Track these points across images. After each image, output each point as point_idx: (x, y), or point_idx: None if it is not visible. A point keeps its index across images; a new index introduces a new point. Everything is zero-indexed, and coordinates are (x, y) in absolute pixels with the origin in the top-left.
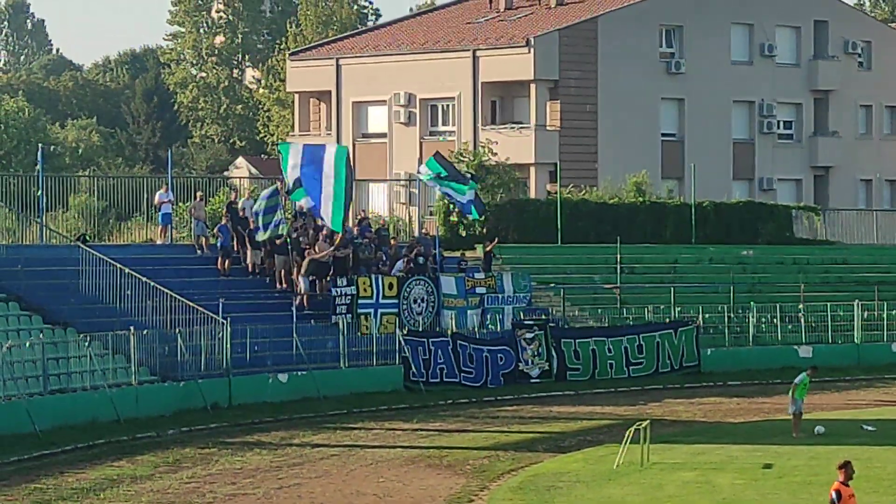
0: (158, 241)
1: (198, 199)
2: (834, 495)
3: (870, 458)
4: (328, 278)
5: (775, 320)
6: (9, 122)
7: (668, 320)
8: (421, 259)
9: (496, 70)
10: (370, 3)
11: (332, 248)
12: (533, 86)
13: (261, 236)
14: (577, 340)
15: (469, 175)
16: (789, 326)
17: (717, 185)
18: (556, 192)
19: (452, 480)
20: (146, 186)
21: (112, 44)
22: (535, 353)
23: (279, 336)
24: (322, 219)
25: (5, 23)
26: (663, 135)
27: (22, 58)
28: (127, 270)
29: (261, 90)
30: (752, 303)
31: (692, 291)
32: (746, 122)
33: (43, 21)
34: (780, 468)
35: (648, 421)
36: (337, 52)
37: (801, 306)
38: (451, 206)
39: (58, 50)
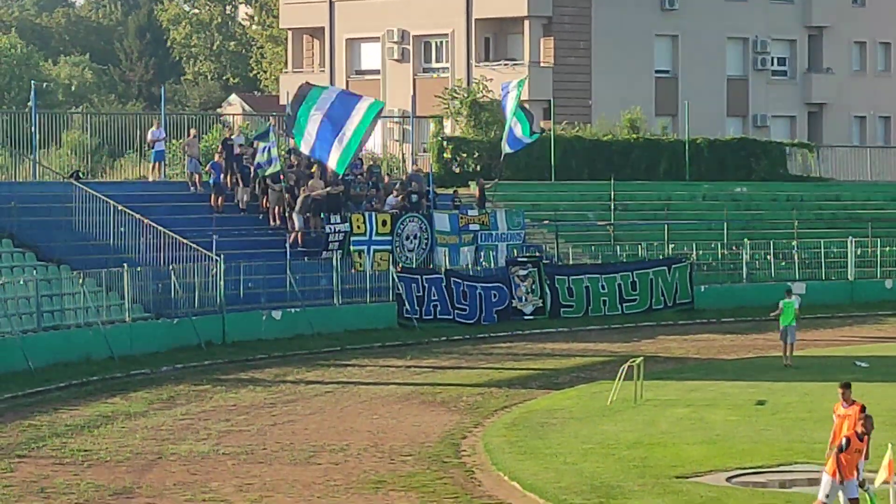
0: (151, 179)
1: (191, 136)
2: (844, 442)
3: (863, 395)
4: (322, 215)
5: (769, 257)
6: (1, 59)
7: (661, 257)
8: (414, 196)
9: (489, 6)
10: None
11: (326, 188)
12: (526, 22)
13: (267, 171)
14: (571, 277)
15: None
16: (783, 263)
17: (711, 121)
18: (549, 129)
19: (446, 417)
20: (139, 123)
21: None
22: (529, 290)
23: (273, 273)
24: (320, 159)
25: None
26: (657, 71)
27: None
28: (120, 207)
29: (254, 27)
30: (745, 240)
31: (686, 228)
32: (740, 58)
33: None
34: (773, 405)
35: (642, 358)
36: None
37: (794, 243)
38: (445, 143)
39: None
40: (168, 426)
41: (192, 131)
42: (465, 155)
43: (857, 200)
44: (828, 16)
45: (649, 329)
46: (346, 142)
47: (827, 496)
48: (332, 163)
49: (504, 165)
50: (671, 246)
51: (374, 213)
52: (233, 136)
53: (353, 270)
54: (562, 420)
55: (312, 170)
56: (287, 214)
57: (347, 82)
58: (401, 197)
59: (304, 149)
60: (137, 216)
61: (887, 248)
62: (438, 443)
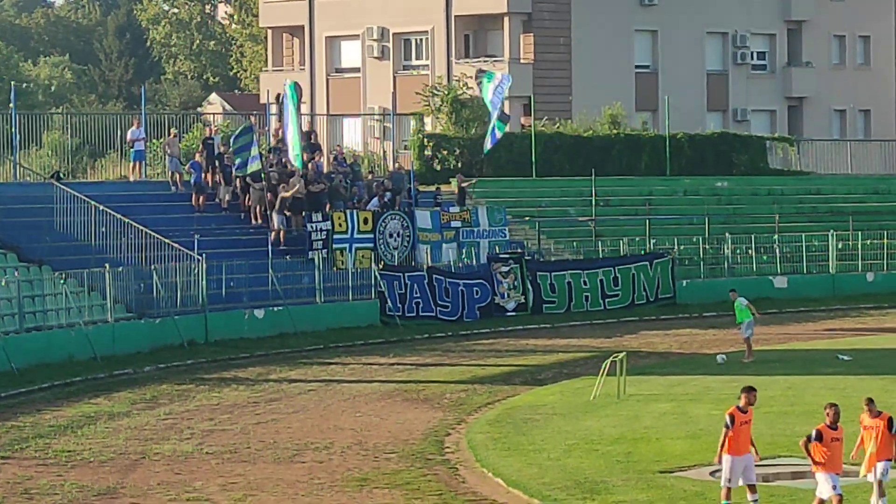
0: (132, 179)
1: (172, 135)
2: (728, 419)
3: (845, 388)
4: (303, 214)
5: (750, 251)
6: None
7: (643, 252)
8: (388, 195)
9: (469, 3)
10: None
11: (295, 187)
12: (506, 19)
13: (240, 172)
14: (553, 273)
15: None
16: (764, 257)
17: (692, 116)
18: (530, 126)
19: (429, 414)
20: (119, 123)
21: None
22: (511, 287)
23: (255, 272)
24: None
25: None
26: (637, 67)
27: None
28: (101, 207)
29: (233, 25)
30: (727, 234)
31: (667, 223)
32: (720, 53)
33: None
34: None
35: (624, 353)
36: None
37: (775, 237)
38: (426, 140)
39: None
40: (151, 426)
41: (173, 131)
42: (445, 152)
43: (838, 194)
44: (807, 10)
45: (632, 324)
46: (293, 135)
47: (834, 487)
48: (293, 159)
49: (484, 163)
50: (653, 241)
51: (355, 211)
52: (213, 136)
53: (334, 269)
54: (545, 416)
55: (293, 168)
56: (268, 213)
57: (328, 80)
58: (379, 196)
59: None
60: (119, 216)
61: (868, 242)
62: (422, 440)
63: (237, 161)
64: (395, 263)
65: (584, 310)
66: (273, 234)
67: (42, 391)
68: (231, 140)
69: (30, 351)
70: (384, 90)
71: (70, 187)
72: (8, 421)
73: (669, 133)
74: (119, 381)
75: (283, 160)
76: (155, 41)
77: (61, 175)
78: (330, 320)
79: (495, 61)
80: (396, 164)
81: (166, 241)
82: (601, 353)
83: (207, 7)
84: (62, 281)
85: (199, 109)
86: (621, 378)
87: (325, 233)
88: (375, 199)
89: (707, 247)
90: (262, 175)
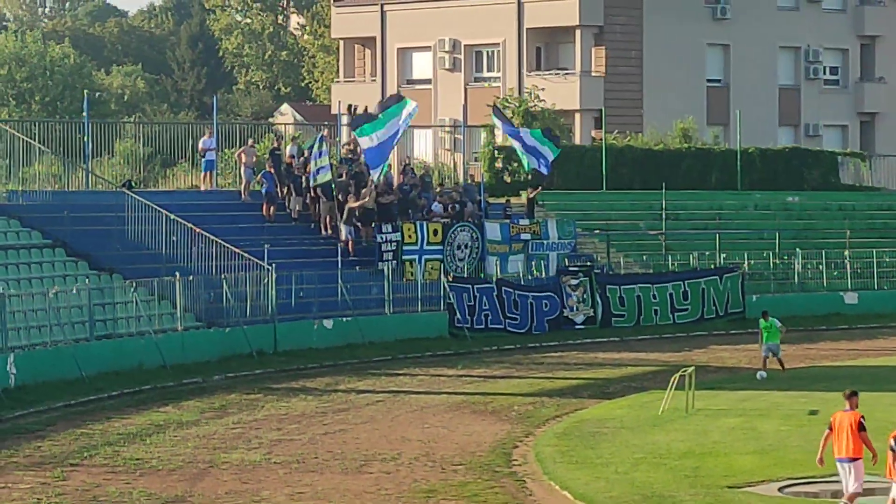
0: (202, 188)
1: (250, 144)
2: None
3: None
4: (373, 225)
5: (821, 266)
6: (54, 69)
7: (713, 266)
8: (457, 206)
9: (541, 16)
10: None
11: (365, 198)
12: (578, 31)
13: (319, 181)
14: (622, 287)
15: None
16: (835, 273)
17: (763, 131)
18: (601, 139)
19: (497, 426)
20: (191, 133)
21: None
22: (580, 300)
23: (324, 282)
24: (369, 164)
25: None
26: (709, 81)
27: (67, 4)
28: (172, 216)
29: (305, 36)
30: (797, 249)
31: (737, 238)
32: (792, 67)
33: None
34: (825, 414)
35: (693, 367)
36: None
37: (846, 252)
38: (496, 152)
39: None
40: (220, 435)
41: (250, 140)
42: (516, 164)
43: None
44: (880, 25)
45: (701, 338)
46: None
47: None
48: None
49: (555, 176)
50: (723, 255)
51: (425, 223)
52: (280, 146)
53: (404, 280)
54: (613, 429)
55: (369, 177)
56: (338, 224)
57: (399, 91)
58: (444, 206)
59: (364, 144)
60: (189, 225)
61: None
62: (489, 452)
63: (320, 168)
64: (464, 275)
65: (653, 324)
66: (342, 244)
67: (111, 399)
68: (305, 150)
69: (100, 359)
70: (455, 102)
71: (141, 196)
72: (77, 428)
73: (741, 147)
74: (188, 390)
75: (356, 170)
76: (227, 51)
77: (133, 184)
78: (399, 331)
79: (567, 74)
80: (470, 176)
81: (236, 250)
82: (670, 367)
83: (280, 18)
84: (132, 289)
85: (270, 120)
86: (690, 392)
87: (394, 244)
88: (436, 203)
89: (777, 261)
90: (332, 186)
